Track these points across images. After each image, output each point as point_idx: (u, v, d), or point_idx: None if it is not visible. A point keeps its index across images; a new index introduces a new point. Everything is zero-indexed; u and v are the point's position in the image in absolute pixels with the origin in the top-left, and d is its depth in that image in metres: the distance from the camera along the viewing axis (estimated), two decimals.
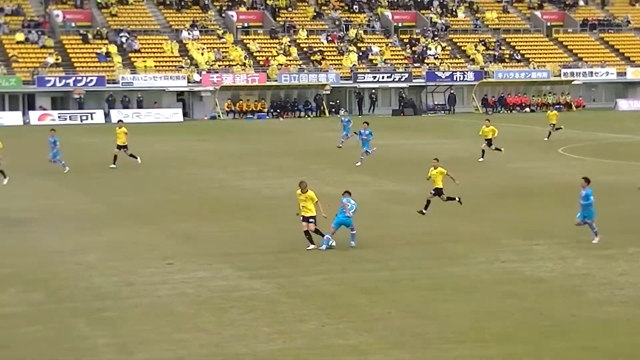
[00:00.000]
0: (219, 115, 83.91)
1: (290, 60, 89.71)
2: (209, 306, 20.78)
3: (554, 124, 58.38)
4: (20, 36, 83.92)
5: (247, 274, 23.75)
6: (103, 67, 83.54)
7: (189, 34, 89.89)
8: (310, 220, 26.35)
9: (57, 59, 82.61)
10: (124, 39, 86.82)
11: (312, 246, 26.21)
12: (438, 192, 31.25)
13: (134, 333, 18.92)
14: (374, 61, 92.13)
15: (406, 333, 18.75)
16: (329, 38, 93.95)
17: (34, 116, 77.96)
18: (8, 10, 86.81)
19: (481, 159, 47.32)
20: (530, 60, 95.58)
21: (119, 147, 45.53)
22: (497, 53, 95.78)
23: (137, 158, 45.70)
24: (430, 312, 20.30)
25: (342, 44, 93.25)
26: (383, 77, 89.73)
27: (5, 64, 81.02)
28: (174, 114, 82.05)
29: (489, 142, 48.45)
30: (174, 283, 22.83)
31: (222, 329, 19.08)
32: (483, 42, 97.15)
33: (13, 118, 77.26)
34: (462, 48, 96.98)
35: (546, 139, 57.53)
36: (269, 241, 27.90)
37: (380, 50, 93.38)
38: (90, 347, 18.05)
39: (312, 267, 24.49)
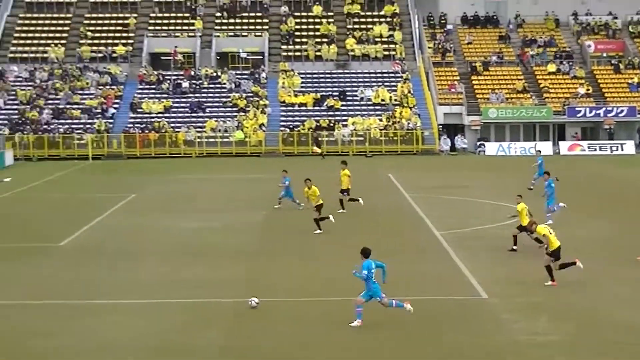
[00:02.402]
0: None
1: None
2: None
3: None
4: (552, 67, 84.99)
5: None
6: (634, 97, 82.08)
7: None
8: None
9: (587, 89, 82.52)
10: None
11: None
12: None
13: None
14: None
15: None
16: None
17: (563, 146, 78.51)
18: (541, 41, 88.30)
19: None
20: None
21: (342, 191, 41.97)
22: None
23: (358, 200, 41.94)
24: None
25: None
26: None
27: (537, 94, 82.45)
28: None
29: None
30: None
31: None
32: None
33: (543, 147, 78.33)
34: None
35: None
36: None
37: None
38: None
39: None
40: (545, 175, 38.56)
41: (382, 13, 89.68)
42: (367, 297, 22.30)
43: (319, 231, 36.16)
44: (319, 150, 72.67)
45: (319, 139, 74.28)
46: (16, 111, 78.14)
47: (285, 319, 23.10)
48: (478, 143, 78.74)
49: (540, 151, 56.87)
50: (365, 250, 22.60)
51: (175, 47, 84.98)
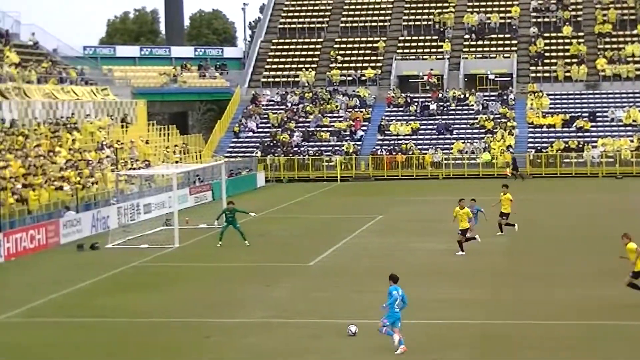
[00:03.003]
0: None
1: None
2: None
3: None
4: None
5: None
6: None
7: None
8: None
9: None
10: None
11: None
12: None
13: None
14: None
15: None
16: None
17: None
18: None
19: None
20: None
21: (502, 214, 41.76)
22: None
23: (514, 225, 41.47)
24: None
25: None
26: None
27: None
28: None
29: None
30: None
31: None
32: None
33: None
34: None
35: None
36: None
37: None
38: None
39: None
40: None
41: (634, 32, 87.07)
42: (391, 321, 22.35)
43: (461, 253, 36.13)
44: (508, 172, 71.35)
45: (517, 161, 72.97)
46: (268, 134, 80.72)
47: (534, 344, 22.73)
48: None
49: None
50: (394, 277, 22.82)
51: (431, 69, 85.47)
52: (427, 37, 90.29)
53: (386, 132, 79.53)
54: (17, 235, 39.25)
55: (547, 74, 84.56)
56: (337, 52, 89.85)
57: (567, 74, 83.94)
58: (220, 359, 22.13)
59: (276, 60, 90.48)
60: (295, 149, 78.16)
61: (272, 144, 79.09)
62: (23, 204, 43.51)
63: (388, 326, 22.38)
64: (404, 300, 22.55)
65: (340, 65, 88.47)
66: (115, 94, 71.25)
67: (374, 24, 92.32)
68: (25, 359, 22.53)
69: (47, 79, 63.75)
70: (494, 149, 75.31)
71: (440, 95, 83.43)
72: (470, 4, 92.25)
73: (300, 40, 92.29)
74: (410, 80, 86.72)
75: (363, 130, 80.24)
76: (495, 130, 77.69)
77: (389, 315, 22.35)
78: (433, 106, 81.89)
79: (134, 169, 55.72)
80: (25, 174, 46.37)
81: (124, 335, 24.60)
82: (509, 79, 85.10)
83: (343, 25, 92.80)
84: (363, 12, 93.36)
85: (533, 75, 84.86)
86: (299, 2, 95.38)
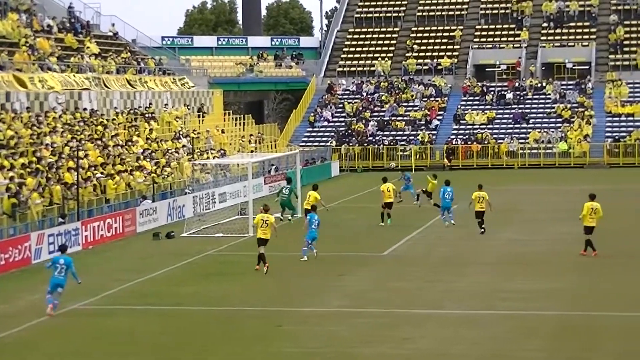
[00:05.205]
0: None
1: None
2: None
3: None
4: None
5: None
6: None
7: None
8: None
9: None
10: None
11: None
12: None
13: None
14: None
15: None
16: None
17: None
18: None
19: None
20: None
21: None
22: None
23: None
24: None
25: None
26: None
27: None
28: None
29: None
30: None
31: None
32: None
33: None
34: None
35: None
36: None
37: None
38: None
39: None
40: None
41: None
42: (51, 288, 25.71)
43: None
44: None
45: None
46: (343, 123, 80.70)
47: (614, 335, 22.43)
48: None
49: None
50: (62, 246, 26.91)
51: (519, 58, 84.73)
52: (505, 26, 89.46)
53: (462, 122, 79.04)
54: (95, 224, 39.77)
55: (626, 63, 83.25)
56: (413, 41, 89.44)
57: None
58: (296, 347, 22.18)
59: (352, 49, 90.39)
60: (370, 138, 78.05)
61: (347, 133, 79.08)
62: (101, 193, 44.09)
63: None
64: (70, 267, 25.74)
65: (416, 54, 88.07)
66: (192, 84, 71.81)
67: (450, 12, 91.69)
68: (100, 345, 22.81)
69: (126, 69, 64.49)
70: (571, 139, 74.38)
71: (516, 84, 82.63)
72: None
73: (376, 30, 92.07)
74: (486, 69, 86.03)
75: (438, 120, 79.84)
76: (572, 120, 76.75)
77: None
78: (509, 95, 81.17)
79: (210, 158, 56.08)
80: (104, 163, 46.96)
81: (199, 324, 24.78)
82: (587, 67, 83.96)
83: (419, 14, 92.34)
84: (440, 1, 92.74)
85: (612, 63, 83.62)
86: None
